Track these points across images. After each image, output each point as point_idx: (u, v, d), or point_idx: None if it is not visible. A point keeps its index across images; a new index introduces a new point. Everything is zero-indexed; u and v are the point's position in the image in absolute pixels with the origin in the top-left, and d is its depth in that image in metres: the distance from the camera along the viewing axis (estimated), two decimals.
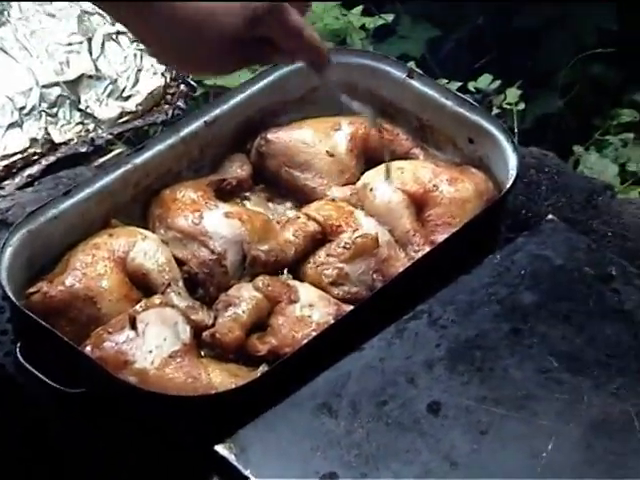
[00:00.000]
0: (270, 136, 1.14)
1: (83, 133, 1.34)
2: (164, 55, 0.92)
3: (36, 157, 1.30)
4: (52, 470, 1.16)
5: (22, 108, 1.31)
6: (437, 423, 0.86)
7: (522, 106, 1.60)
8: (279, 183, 1.14)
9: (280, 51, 0.91)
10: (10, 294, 0.93)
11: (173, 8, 0.85)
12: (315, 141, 1.15)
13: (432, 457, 0.84)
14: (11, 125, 1.29)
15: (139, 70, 1.39)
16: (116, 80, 1.39)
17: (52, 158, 1.27)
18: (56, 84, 1.34)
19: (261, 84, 1.17)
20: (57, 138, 1.28)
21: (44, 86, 1.33)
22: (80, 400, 0.92)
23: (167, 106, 1.38)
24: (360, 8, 1.80)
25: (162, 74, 1.38)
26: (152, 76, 1.40)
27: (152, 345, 0.94)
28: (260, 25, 0.87)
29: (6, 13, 1.37)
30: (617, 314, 0.96)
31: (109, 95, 1.36)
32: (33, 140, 1.29)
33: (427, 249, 1.06)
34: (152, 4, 0.86)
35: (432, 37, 1.84)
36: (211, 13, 0.86)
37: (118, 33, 1.39)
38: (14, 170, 1.27)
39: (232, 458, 0.84)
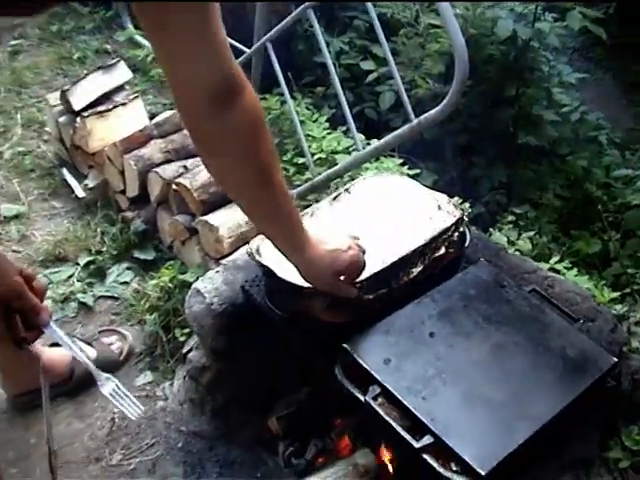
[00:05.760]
0: None
1: None
2: None
3: None
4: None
5: None
6: (432, 341, 1.37)
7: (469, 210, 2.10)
8: None
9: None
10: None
11: None
12: None
13: (430, 353, 1.34)
14: None
15: None
16: None
17: None
18: None
19: None
20: None
21: None
22: (285, 317, 1.47)
23: None
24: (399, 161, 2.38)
25: None
26: None
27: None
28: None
29: None
30: (505, 302, 1.46)
31: None
32: None
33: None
34: None
35: (435, 179, 2.67)
36: None
37: None
38: None
39: (347, 347, 1.34)
